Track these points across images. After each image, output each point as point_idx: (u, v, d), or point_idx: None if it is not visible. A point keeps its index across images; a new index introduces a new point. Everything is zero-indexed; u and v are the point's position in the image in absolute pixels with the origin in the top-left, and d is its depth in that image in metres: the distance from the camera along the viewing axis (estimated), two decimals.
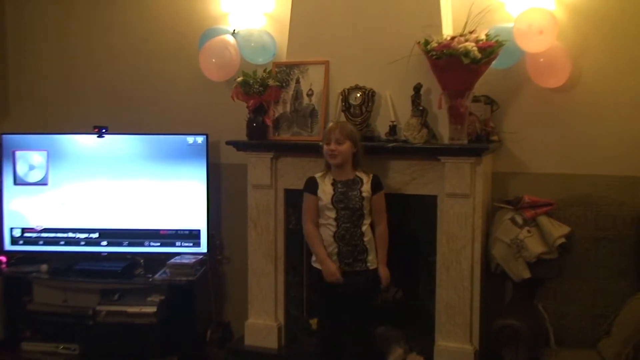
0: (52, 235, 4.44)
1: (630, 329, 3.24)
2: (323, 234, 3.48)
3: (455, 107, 3.51)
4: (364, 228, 3.45)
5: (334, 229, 3.44)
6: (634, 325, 3.23)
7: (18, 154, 4.43)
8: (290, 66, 3.96)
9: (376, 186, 3.48)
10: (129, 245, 4.41)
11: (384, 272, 3.49)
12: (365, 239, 3.45)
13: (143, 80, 4.71)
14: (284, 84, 3.94)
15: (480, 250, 3.63)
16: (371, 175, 3.49)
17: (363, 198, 3.42)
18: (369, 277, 3.46)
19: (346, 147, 3.40)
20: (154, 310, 4.21)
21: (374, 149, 3.63)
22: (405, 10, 3.70)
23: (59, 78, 4.94)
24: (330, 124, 3.60)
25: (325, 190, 3.46)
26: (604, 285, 3.54)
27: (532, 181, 3.88)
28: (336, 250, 3.45)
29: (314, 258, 3.55)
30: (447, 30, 3.68)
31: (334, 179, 3.47)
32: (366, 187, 3.44)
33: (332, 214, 3.44)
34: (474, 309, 3.64)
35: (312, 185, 3.51)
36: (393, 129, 3.69)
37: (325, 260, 3.44)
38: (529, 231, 3.60)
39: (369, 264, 3.46)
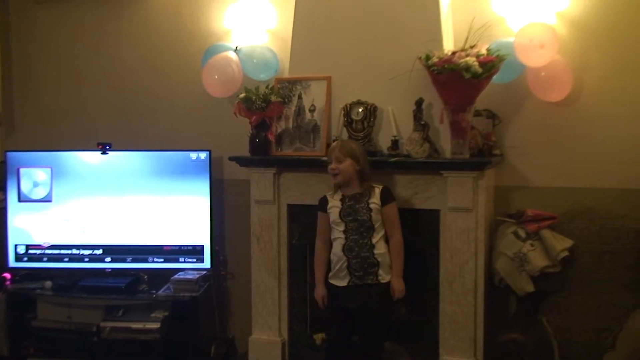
0: (56, 252, 4.45)
1: (634, 342, 3.23)
2: (334, 248, 3.50)
3: (457, 121, 3.53)
4: (374, 240, 3.43)
5: (342, 242, 3.45)
6: (639, 339, 3.22)
7: (22, 171, 4.44)
8: (293, 82, 3.97)
9: (386, 197, 3.46)
10: (133, 261, 4.41)
11: (397, 284, 3.43)
12: (377, 252, 3.43)
13: (146, 97, 4.74)
14: (286, 100, 3.95)
15: (484, 264, 3.63)
16: (381, 187, 3.49)
17: (371, 210, 3.42)
18: (379, 290, 3.44)
19: (346, 165, 3.41)
20: (158, 326, 4.21)
21: (376, 164, 3.63)
22: (407, 25, 3.72)
23: (62, 96, 4.97)
24: (333, 144, 3.61)
25: (334, 205, 3.49)
26: (608, 298, 3.53)
27: (535, 195, 3.88)
28: (346, 264, 3.44)
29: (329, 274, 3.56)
30: (448, 45, 3.70)
31: (342, 195, 3.49)
32: (375, 199, 3.44)
33: (341, 227, 3.46)
34: (477, 324, 3.62)
35: (322, 204, 3.56)
36: (395, 144, 3.70)
37: (318, 284, 3.58)
38: (532, 245, 3.60)
39: (380, 278, 3.44)
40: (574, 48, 3.76)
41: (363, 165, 3.46)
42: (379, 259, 3.44)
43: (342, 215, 3.45)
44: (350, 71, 3.86)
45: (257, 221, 4.03)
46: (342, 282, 3.47)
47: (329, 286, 3.54)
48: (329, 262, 3.56)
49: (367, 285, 3.43)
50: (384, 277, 3.44)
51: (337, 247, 3.49)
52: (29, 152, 4.51)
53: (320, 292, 3.55)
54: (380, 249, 3.44)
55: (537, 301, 3.66)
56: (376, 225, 3.45)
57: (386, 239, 3.48)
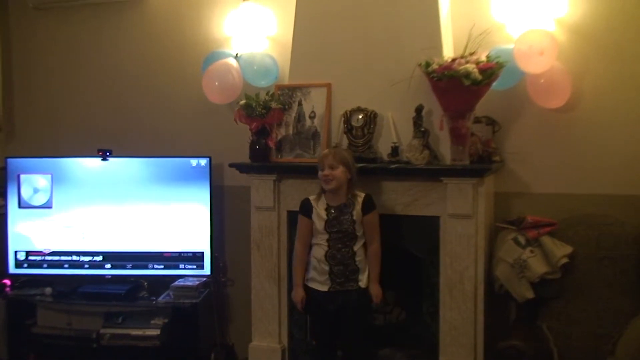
0: (57, 259, 4.45)
1: (634, 348, 3.22)
2: (316, 253, 3.53)
3: (457, 128, 3.53)
4: (355, 248, 3.50)
5: (325, 249, 3.50)
6: (638, 345, 3.22)
7: (23, 177, 4.45)
8: (293, 89, 3.98)
9: (367, 207, 3.51)
10: (133, 268, 4.41)
11: (375, 290, 3.51)
12: (357, 258, 3.50)
13: (147, 104, 4.76)
14: (286, 107, 3.96)
15: (484, 271, 3.63)
16: (363, 196, 3.52)
17: (354, 221, 3.47)
18: (359, 294, 3.50)
19: (340, 172, 3.44)
20: (158, 333, 4.21)
21: (376, 171, 3.65)
22: (407, 32, 3.73)
23: (63, 102, 4.99)
24: (324, 151, 3.64)
25: (319, 215, 3.51)
26: (608, 305, 3.52)
27: (535, 201, 3.89)
28: (327, 269, 3.49)
29: (306, 277, 3.59)
30: (448, 52, 3.70)
31: (327, 204, 3.51)
32: (357, 210, 3.48)
33: (325, 236, 3.50)
34: (477, 330, 3.62)
35: (307, 208, 3.57)
36: (395, 151, 3.71)
37: (297, 286, 3.60)
38: (532, 251, 3.60)
39: (360, 283, 3.50)
40: (573, 54, 3.77)
41: (353, 174, 3.50)
42: (359, 266, 3.50)
43: (326, 227, 3.49)
44: (350, 78, 3.86)
45: (257, 228, 4.03)
46: (322, 287, 3.52)
47: (307, 289, 3.58)
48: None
49: (346, 291, 3.50)
50: (363, 282, 3.51)
51: (318, 253, 3.53)
52: (29, 158, 4.52)
53: (300, 294, 3.57)
54: (360, 255, 3.51)
55: (537, 307, 3.66)
56: (359, 235, 3.51)
57: (364, 245, 3.54)
